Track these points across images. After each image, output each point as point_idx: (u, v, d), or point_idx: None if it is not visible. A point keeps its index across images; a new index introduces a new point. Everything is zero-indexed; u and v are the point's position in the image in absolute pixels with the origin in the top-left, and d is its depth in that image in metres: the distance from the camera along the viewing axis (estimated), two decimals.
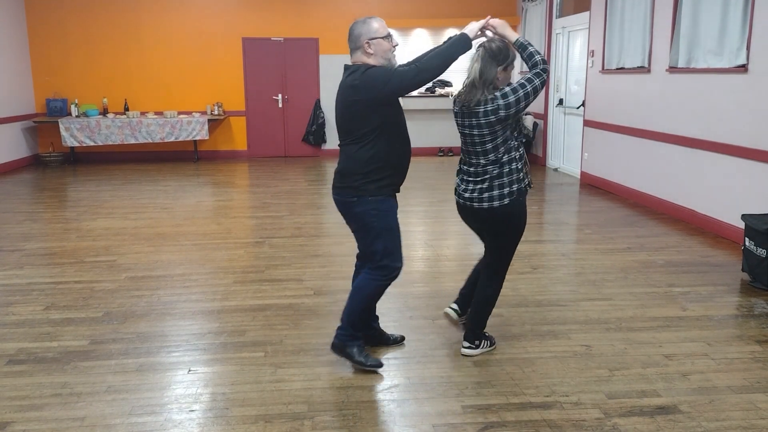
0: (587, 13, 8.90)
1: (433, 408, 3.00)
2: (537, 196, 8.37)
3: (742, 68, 5.74)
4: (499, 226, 3.38)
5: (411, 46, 11.80)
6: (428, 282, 4.83)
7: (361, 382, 3.27)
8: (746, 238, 4.82)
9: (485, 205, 3.31)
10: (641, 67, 7.47)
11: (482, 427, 2.84)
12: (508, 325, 3.95)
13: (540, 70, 3.19)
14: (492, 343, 3.62)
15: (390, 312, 4.18)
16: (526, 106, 3.21)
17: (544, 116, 10.59)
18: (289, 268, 5.15)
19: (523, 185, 3.34)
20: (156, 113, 11.24)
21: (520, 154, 3.31)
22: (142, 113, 11.21)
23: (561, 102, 10.09)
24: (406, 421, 2.90)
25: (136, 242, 5.93)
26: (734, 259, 5.29)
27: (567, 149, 10.01)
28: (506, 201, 3.28)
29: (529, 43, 3.27)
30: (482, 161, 3.30)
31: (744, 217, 4.93)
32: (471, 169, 3.36)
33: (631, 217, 6.87)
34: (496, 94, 3.19)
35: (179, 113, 11.28)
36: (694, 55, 6.51)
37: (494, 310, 4.18)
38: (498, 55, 3.22)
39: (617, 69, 8.05)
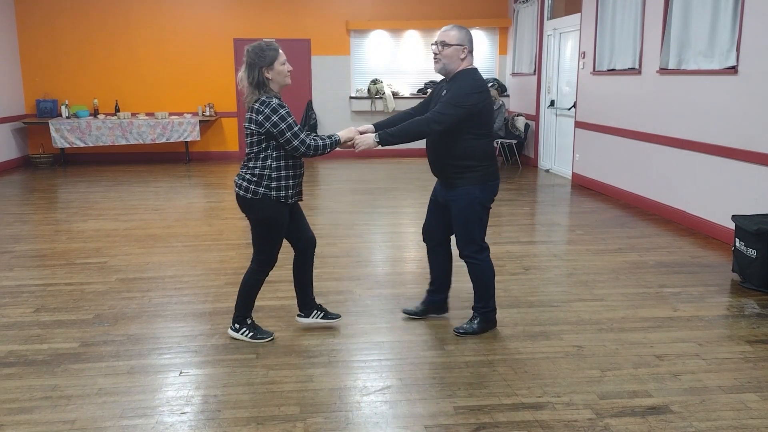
0: (578, 14, 8.94)
1: (426, 409, 3.00)
2: (528, 197, 8.39)
3: (732, 70, 5.78)
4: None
5: (403, 48, 11.82)
6: (420, 283, 4.82)
7: (354, 383, 3.27)
8: (736, 239, 4.84)
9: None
10: (632, 68, 7.50)
11: (474, 428, 2.84)
12: (500, 326, 3.95)
13: (310, 148, 3.48)
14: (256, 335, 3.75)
15: (382, 313, 4.18)
16: (279, 134, 3.43)
17: (535, 117, 10.62)
18: (280, 270, 5.10)
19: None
20: (147, 114, 11.19)
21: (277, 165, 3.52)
22: (133, 114, 11.16)
23: (552, 103, 10.12)
24: (398, 423, 2.90)
25: (126, 244, 5.91)
26: (724, 260, 5.32)
27: (558, 150, 10.04)
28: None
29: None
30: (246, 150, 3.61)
31: (734, 217, 4.95)
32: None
33: (623, 218, 6.90)
34: (272, 101, 3.44)
35: (170, 114, 11.24)
36: (684, 56, 6.55)
37: None
38: (256, 60, 3.49)
39: (608, 70, 8.08)
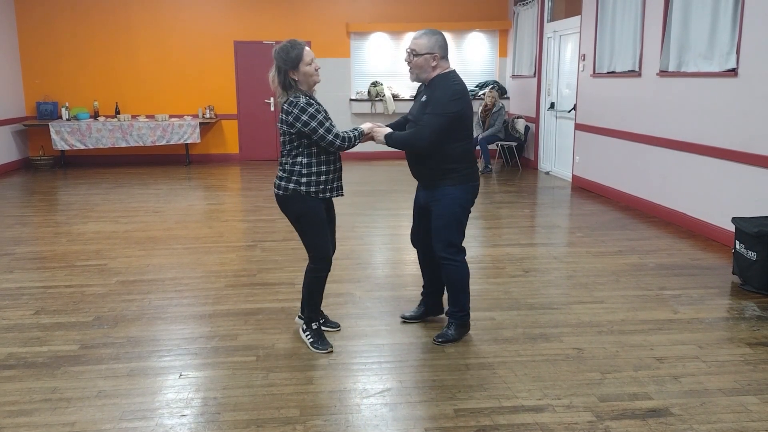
0: (578, 17, 8.94)
1: (426, 412, 3.00)
2: (528, 199, 8.40)
3: (732, 72, 5.78)
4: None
5: (403, 50, 11.81)
6: (421, 285, 4.82)
7: (354, 386, 3.26)
8: (736, 241, 4.84)
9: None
10: (632, 71, 7.51)
11: (475, 430, 2.84)
12: (500, 329, 3.95)
13: (340, 143, 3.50)
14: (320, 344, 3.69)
15: (382, 315, 4.18)
16: (312, 132, 3.45)
17: (535, 120, 10.63)
18: (281, 272, 5.14)
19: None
20: (147, 116, 11.20)
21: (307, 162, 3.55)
22: (134, 116, 11.17)
23: (552, 105, 10.12)
24: (398, 425, 2.90)
25: (127, 246, 5.91)
26: (725, 262, 5.31)
27: (558, 152, 10.05)
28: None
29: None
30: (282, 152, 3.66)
31: (734, 220, 4.95)
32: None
33: (623, 220, 6.90)
34: (299, 101, 3.46)
35: (171, 117, 11.25)
36: (684, 59, 6.55)
37: (486, 314, 4.20)
38: (281, 63, 3.49)
39: (608, 73, 8.09)
